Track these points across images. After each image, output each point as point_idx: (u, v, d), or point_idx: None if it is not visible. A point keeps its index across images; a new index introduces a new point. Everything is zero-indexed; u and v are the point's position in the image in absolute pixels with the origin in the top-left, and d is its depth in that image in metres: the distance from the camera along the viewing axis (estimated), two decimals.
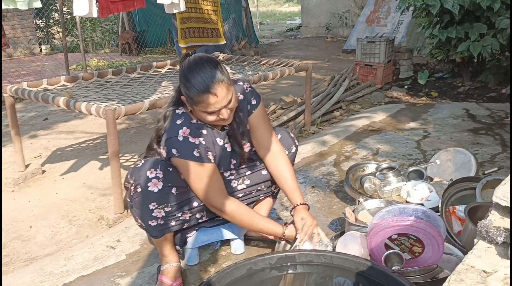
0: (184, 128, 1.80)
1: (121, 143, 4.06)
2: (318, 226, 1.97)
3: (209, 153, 1.84)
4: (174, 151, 1.78)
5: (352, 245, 1.88)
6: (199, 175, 1.79)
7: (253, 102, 1.99)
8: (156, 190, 1.75)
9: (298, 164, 3.33)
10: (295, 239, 1.94)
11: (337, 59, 9.09)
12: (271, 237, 2.01)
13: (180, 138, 1.78)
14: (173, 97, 1.91)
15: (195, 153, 1.78)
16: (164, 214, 1.80)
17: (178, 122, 1.82)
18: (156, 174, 1.76)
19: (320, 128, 4.57)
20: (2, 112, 4.52)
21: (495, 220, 1.05)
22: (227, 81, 1.73)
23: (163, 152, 1.85)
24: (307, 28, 13.27)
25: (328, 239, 1.99)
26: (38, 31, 11.45)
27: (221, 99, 1.71)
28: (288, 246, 2.01)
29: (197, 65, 1.72)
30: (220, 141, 1.92)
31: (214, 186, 1.82)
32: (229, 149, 1.95)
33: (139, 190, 1.76)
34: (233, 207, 1.85)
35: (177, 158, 1.78)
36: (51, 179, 3.49)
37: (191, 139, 1.79)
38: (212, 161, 1.84)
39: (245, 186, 2.01)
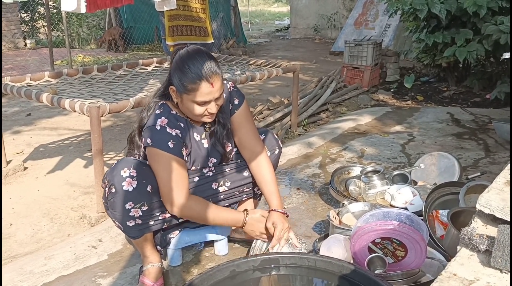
0: (163, 117, 1.79)
1: (105, 140, 4.02)
2: (291, 231, 1.95)
3: (184, 149, 1.82)
4: (149, 140, 1.76)
5: (336, 248, 1.89)
6: (168, 167, 1.75)
7: (236, 101, 1.97)
8: (131, 189, 1.73)
9: (283, 165, 3.32)
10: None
11: (325, 61, 9.12)
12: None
13: (158, 127, 1.77)
14: (159, 89, 1.90)
15: (170, 144, 1.76)
16: (141, 214, 1.77)
17: (158, 112, 1.81)
18: (130, 172, 1.74)
19: (306, 130, 4.57)
20: None
21: (478, 228, 1.05)
22: (221, 75, 1.77)
23: (141, 144, 1.85)
24: (296, 29, 13.30)
25: (301, 244, 1.95)
26: (23, 24, 11.25)
27: (215, 90, 1.73)
28: (264, 246, 1.97)
29: (197, 53, 1.74)
30: (197, 137, 1.91)
31: (179, 181, 1.77)
32: (206, 146, 1.93)
33: (113, 190, 1.74)
34: (191, 204, 1.80)
35: (150, 148, 1.76)
36: (33, 176, 3.43)
37: (168, 129, 1.78)
38: (185, 158, 1.83)
39: (226, 188, 2.00)
